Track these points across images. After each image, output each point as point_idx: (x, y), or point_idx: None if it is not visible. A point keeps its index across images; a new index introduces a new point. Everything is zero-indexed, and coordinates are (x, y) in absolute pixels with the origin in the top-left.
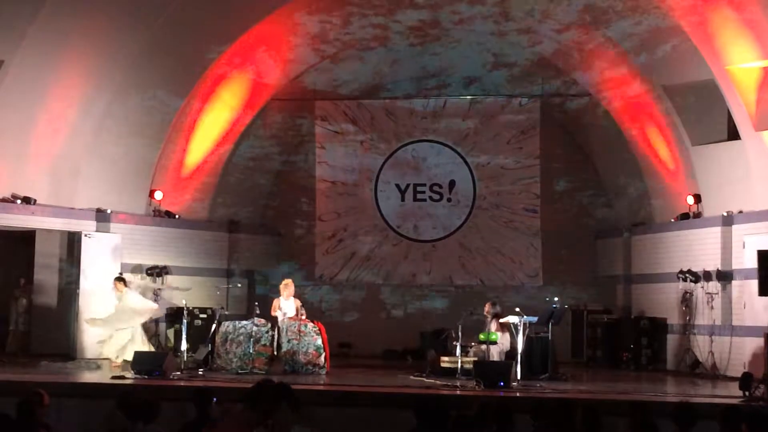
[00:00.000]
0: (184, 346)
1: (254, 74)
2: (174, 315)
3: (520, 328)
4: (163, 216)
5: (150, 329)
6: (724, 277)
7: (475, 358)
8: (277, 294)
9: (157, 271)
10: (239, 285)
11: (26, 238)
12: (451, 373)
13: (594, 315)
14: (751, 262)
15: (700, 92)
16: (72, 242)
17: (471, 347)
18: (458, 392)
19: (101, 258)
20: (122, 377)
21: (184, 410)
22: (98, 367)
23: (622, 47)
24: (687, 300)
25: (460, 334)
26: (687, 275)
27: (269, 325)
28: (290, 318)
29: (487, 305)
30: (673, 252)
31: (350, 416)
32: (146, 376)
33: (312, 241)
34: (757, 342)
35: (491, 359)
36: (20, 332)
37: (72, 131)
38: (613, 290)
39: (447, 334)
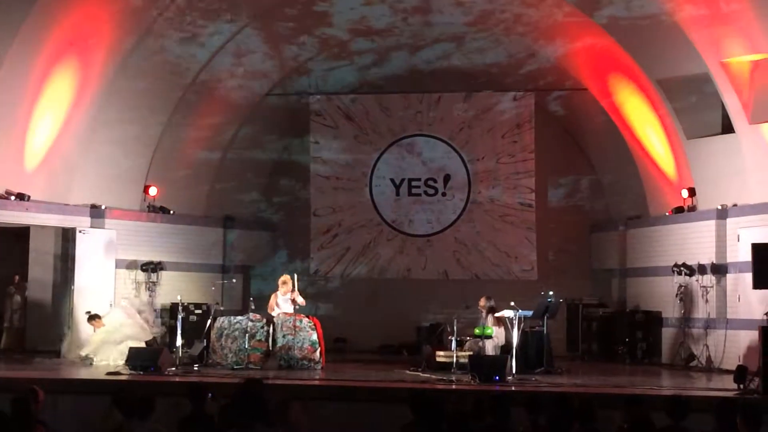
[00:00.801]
0: (179, 341)
1: (249, 68)
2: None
3: (515, 322)
4: (157, 212)
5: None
6: (719, 270)
7: (471, 353)
8: (275, 289)
9: (152, 267)
10: (234, 280)
11: (20, 234)
12: (446, 367)
13: (589, 309)
14: (746, 256)
15: (694, 86)
16: (66, 238)
17: (466, 341)
18: (454, 386)
19: (96, 254)
20: (117, 373)
21: (179, 406)
22: (92, 364)
23: (616, 41)
24: (682, 293)
25: (455, 328)
26: (682, 269)
27: (264, 320)
28: (285, 313)
29: (482, 300)
30: (668, 245)
31: (346, 411)
32: (141, 372)
33: (307, 236)
34: (752, 335)
35: (486, 353)
36: (15, 329)
37: (66, 127)
38: (608, 284)
39: (442, 328)
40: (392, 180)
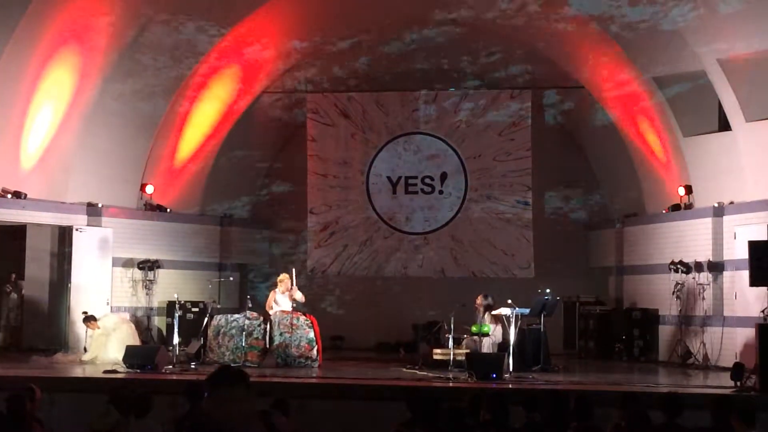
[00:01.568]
0: (176, 339)
1: (245, 67)
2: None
3: (512, 320)
4: (154, 210)
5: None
6: (716, 267)
7: (468, 350)
8: (272, 287)
9: (148, 265)
10: (231, 278)
11: (17, 232)
12: (443, 365)
13: (586, 306)
14: (742, 253)
15: (691, 83)
16: (63, 236)
17: (463, 339)
18: (451, 384)
19: (92, 252)
20: (114, 371)
21: (176, 404)
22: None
23: (613, 39)
24: (679, 291)
25: (452, 326)
26: (679, 266)
27: (261, 318)
28: (282, 311)
29: (479, 297)
30: (664, 243)
31: (343, 409)
32: (138, 370)
33: (304, 234)
34: (749, 332)
35: (483, 351)
36: (11, 327)
37: (62, 125)
38: (605, 281)
39: (439, 326)
40: (389, 178)
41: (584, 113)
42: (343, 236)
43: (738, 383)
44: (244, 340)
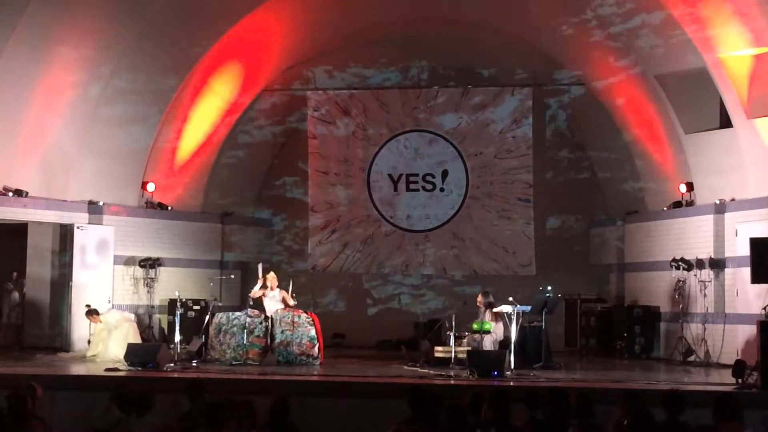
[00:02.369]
0: (177, 337)
1: (246, 65)
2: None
3: (514, 318)
4: (155, 208)
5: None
6: (717, 265)
7: (469, 348)
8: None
9: (150, 263)
10: (233, 276)
11: (18, 230)
12: (444, 362)
13: (587, 304)
14: (744, 250)
15: (692, 80)
16: (64, 235)
17: (465, 337)
18: (452, 382)
19: (94, 250)
20: (116, 369)
21: (177, 402)
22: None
23: (614, 36)
24: (680, 288)
25: (453, 323)
26: (680, 263)
27: (263, 316)
28: (284, 309)
29: (479, 295)
30: (666, 240)
31: (344, 407)
32: (140, 368)
33: (305, 232)
34: (750, 329)
35: (485, 349)
36: (13, 325)
37: (64, 123)
38: (606, 279)
39: (440, 324)
40: (390, 175)
41: (585, 110)
42: (344, 234)
43: (739, 380)
44: (245, 337)
